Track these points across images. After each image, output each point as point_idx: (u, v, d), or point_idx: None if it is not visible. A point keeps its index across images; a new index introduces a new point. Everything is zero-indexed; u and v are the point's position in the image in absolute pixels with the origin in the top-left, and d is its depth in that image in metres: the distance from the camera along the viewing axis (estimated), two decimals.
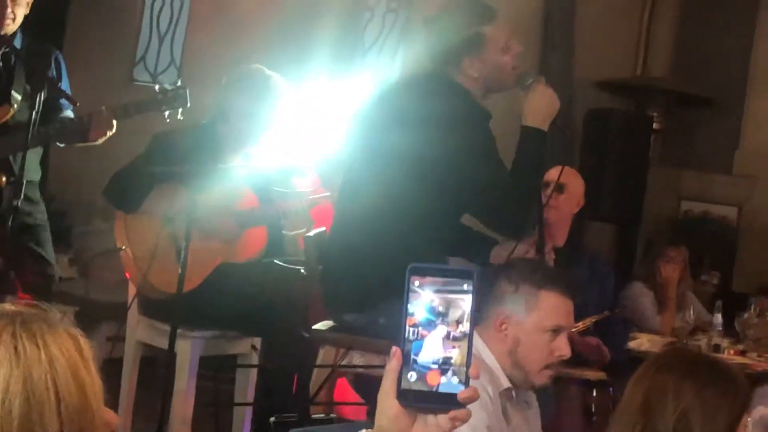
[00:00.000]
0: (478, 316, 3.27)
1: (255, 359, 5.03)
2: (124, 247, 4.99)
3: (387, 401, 1.60)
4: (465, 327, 1.58)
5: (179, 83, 5.13)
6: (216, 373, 5.29)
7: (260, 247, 5.04)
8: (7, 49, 5.15)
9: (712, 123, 9.26)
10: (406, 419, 1.59)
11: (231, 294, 4.83)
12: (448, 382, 1.57)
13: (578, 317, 4.12)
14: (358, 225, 4.05)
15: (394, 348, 1.59)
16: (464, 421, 1.58)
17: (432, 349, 1.58)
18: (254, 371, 5.02)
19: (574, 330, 4.43)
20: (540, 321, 3.25)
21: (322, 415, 4.10)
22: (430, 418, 1.59)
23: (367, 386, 4.30)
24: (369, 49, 8.70)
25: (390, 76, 4.15)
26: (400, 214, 3.93)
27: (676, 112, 9.27)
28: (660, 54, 9.37)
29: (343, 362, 4.13)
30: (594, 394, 4.84)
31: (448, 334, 1.58)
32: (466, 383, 1.57)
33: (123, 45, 8.67)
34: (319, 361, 4.28)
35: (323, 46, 7.82)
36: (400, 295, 3.77)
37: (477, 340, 3.20)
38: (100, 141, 5.10)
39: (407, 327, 1.59)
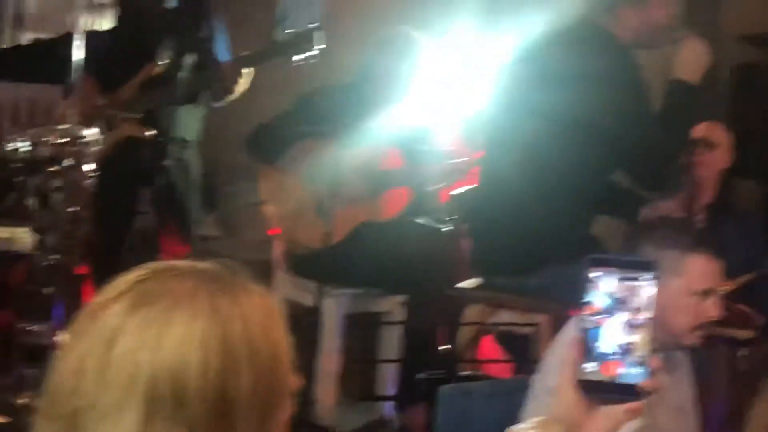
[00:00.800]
0: None
1: (400, 317, 5.06)
2: (267, 204, 5.07)
3: (564, 391, 1.59)
4: (646, 314, 1.56)
5: (310, 26, 5.16)
6: (361, 330, 5.34)
7: (402, 206, 5.06)
8: (161, 8, 5.25)
9: None
10: (581, 409, 1.58)
11: (374, 252, 4.86)
12: (628, 373, 1.54)
13: (727, 278, 4.06)
14: (505, 184, 4.04)
15: (572, 337, 1.58)
16: (639, 414, 1.56)
17: (612, 338, 1.55)
18: (400, 329, 5.06)
19: (721, 290, 4.36)
20: (688, 285, 3.20)
21: (469, 372, 4.12)
22: (607, 408, 1.58)
23: (514, 344, 4.30)
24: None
25: (538, 28, 4.09)
26: (549, 172, 3.92)
27: None
28: None
29: (490, 320, 4.14)
30: (742, 354, 4.76)
31: (629, 322, 1.55)
32: (647, 374, 1.54)
33: (265, 6, 8.74)
34: (465, 319, 4.29)
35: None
36: (548, 254, 3.76)
37: None
38: (237, 93, 5.17)
39: (586, 316, 1.57)
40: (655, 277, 1.57)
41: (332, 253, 4.67)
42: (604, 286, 1.56)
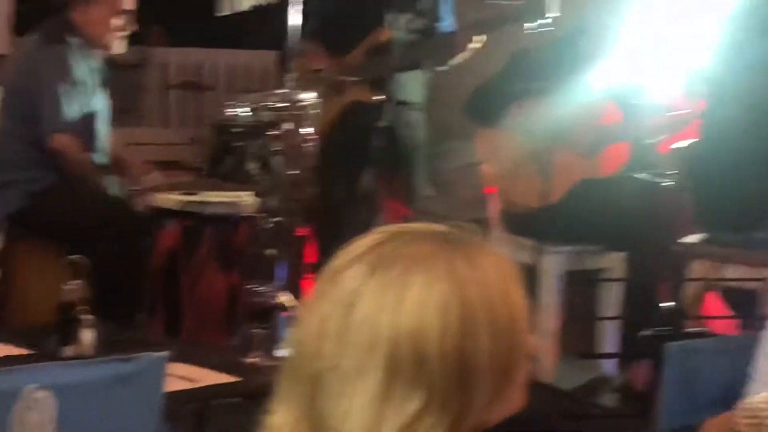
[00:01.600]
0: None
1: (621, 273, 4.99)
2: (484, 163, 5.07)
3: None
4: None
5: None
6: (581, 287, 5.29)
7: (622, 162, 4.98)
8: None
9: None
10: None
11: (593, 209, 4.80)
12: None
13: None
14: (728, 137, 3.94)
15: None
16: None
17: None
18: (620, 286, 4.99)
19: None
20: None
21: (695, 329, 4.04)
22: None
23: (740, 300, 4.19)
24: None
25: None
26: None
27: None
28: None
29: (715, 275, 4.05)
30: None
31: None
32: None
33: None
34: (689, 275, 4.20)
35: None
36: None
37: None
38: (463, 57, 5.18)
39: None
40: None
41: (551, 211, 4.63)
42: None
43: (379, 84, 5.23)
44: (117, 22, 4.96)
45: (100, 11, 4.95)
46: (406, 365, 1.39)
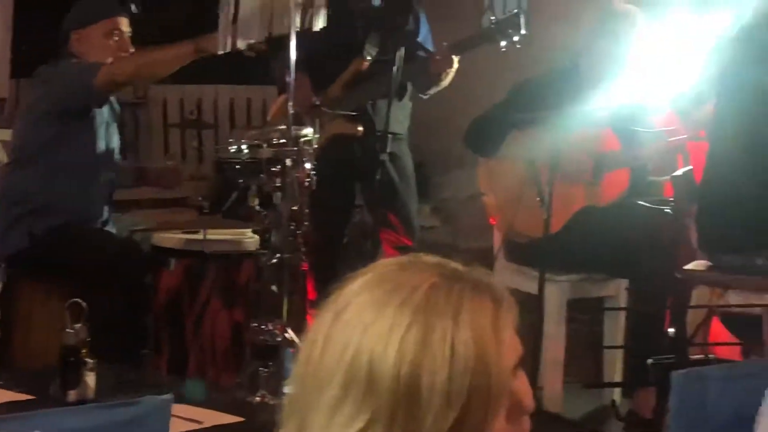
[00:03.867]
0: None
1: (624, 301, 4.99)
2: (486, 193, 5.08)
3: None
4: None
5: (515, 11, 5.14)
6: (585, 316, 5.29)
7: (622, 189, 4.99)
8: (366, 6, 5.32)
9: None
10: None
11: (595, 237, 4.81)
12: None
13: None
14: (733, 163, 3.94)
15: None
16: None
17: None
18: (623, 313, 4.99)
19: None
20: None
21: (700, 356, 4.02)
22: None
23: (744, 326, 4.18)
24: None
25: (754, 3, 3.97)
26: None
27: None
28: None
29: (719, 302, 4.04)
30: None
31: None
32: None
33: None
34: (693, 302, 4.20)
35: None
36: None
37: None
38: (445, 81, 5.20)
39: None
40: None
41: (553, 240, 4.63)
42: None
43: (362, 115, 5.25)
44: (114, 41, 4.97)
45: (96, 31, 4.98)
46: (359, 386, 1.41)
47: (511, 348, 1.48)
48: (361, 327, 1.44)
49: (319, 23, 4.42)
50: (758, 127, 3.90)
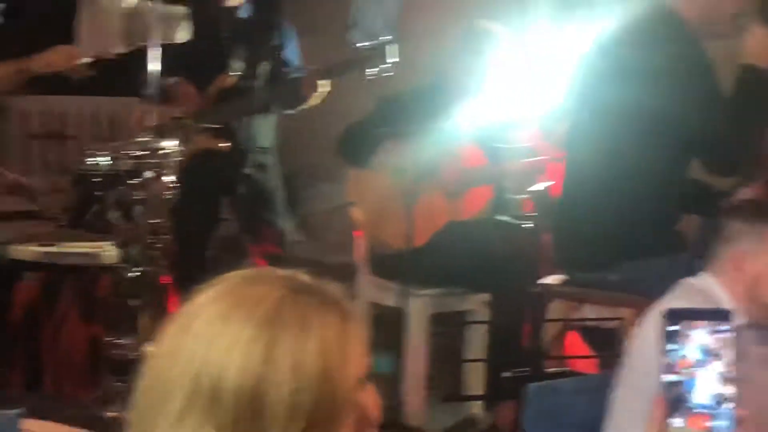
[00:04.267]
0: (710, 261, 3.22)
1: (485, 315, 5.04)
2: (353, 205, 5.10)
3: None
4: (727, 368, 1.51)
5: (385, 39, 5.18)
6: (446, 329, 5.33)
7: (486, 204, 5.05)
8: (232, 20, 5.30)
9: None
10: None
11: (458, 251, 4.86)
12: (718, 426, 1.50)
13: None
14: (588, 181, 4.01)
15: (656, 398, 1.54)
16: None
17: (697, 392, 1.52)
18: (484, 327, 5.03)
19: None
20: None
21: (556, 369, 4.08)
22: None
23: (599, 339, 4.26)
24: None
25: (613, 20, 4.05)
26: (627, 167, 3.88)
27: None
28: None
29: (575, 315, 4.10)
30: None
31: (714, 376, 1.52)
32: (735, 426, 1.50)
33: (337, 9, 8.76)
34: (549, 315, 4.26)
35: None
36: (633, 252, 3.72)
37: (713, 286, 3.15)
38: (313, 102, 5.22)
39: (667, 372, 1.52)
40: (734, 327, 1.53)
41: (416, 254, 4.66)
42: (687, 339, 1.51)
43: (228, 129, 5.23)
44: None
45: None
46: (203, 397, 1.41)
47: (358, 361, 1.48)
48: (207, 340, 1.43)
49: (181, 36, 4.39)
50: (615, 145, 3.96)
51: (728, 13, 4.01)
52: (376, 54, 5.05)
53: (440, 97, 5.04)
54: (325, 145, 5.33)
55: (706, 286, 3.07)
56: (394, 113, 4.98)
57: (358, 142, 5.03)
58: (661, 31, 3.96)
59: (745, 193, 4.05)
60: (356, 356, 1.48)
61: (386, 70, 5.04)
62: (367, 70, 5.05)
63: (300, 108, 5.37)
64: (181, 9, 5.02)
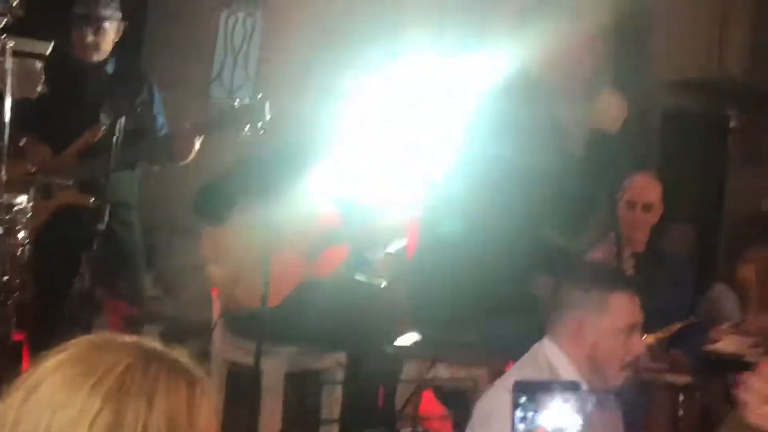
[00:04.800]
0: (552, 326, 3.29)
1: (340, 375, 5.05)
2: (208, 264, 5.07)
3: None
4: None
5: (259, 97, 5.19)
6: (302, 389, 5.32)
7: (341, 263, 5.07)
8: (98, 75, 5.27)
9: None
10: None
11: (314, 310, 4.86)
12: None
13: (661, 321, 4.11)
14: (444, 241, 4.06)
15: None
16: None
17: None
18: (340, 386, 5.04)
19: (660, 336, 4.42)
20: (614, 322, 3.27)
21: (410, 429, 4.12)
22: None
23: (453, 398, 4.30)
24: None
25: (472, 84, 4.14)
26: (485, 230, 3.94)
27: (754, 110, 9.14)
28: (736, 51, 9.26)
29: (429, 375, 4.14)
30: (681, 398, 4.80)
31: None
32: None
33: (199, 63, 8.75)
34: (404, 375, 4.29)
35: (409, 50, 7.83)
36: (486, 313, 3.78)
37: (554, 350, 3.22)
38: (188, 159, 5.20)
39: None
40: (580, 397, 1.58)
41: (272, 313, 4.65)
42: (536, 410, 1.55)
43: (91, 185, 5.17)
44: None
45: None
46: None
47: (207, 426, 1.48)
48: (52, 409, 1.41)
49: (39, 89, 4.34)
50: (470, 205, 4.02)
51: (582, 78, 4.12)
52: (249, 113, 5.06)
53: (298, 157, 5.06)
54: (184, 199, 5.30)
55: (550, 353, 3.13)
56: (251, 171, 4.97)
57: (213, 200, 5.01)
58: (521, 92, 4.05)
59: (594, 253, 4.16)
60: (204, 425, 1.49)
61: (261, 129, 5.05)
62: (240, 127, 5.06)
63: (173, 165, 5.33)
64: (38, 64, 4.97)
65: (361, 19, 8.14)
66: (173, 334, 6.39)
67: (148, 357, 1.49)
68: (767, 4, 9.20)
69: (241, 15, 9.10)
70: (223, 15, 9.06)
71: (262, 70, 8.86)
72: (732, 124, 8.83)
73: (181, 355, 1.53)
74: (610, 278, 3.35)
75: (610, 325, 3.27)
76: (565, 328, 3.29)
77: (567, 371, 3.25)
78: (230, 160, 5.21)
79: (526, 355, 3.22)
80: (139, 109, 5.13)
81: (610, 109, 4.03)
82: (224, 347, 5.18)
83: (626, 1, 8.72)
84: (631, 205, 5.10)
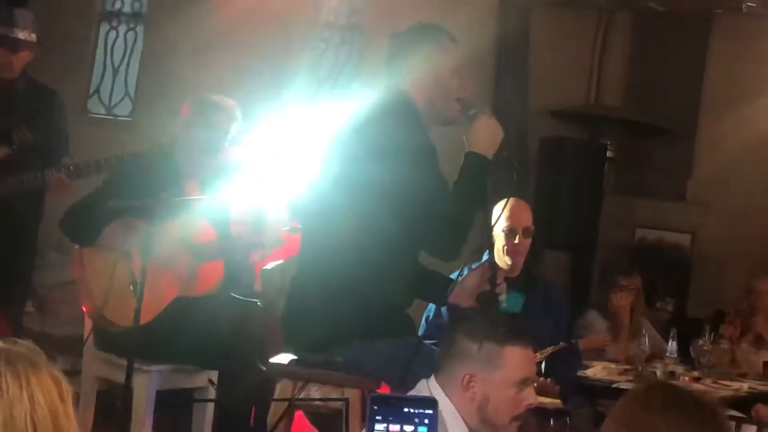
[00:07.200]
0: (441, 372, 3.28)
1: (212, 393, 5.00)
2: (80, 280, 4.99)
3: None
4: None
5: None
6: (174, 407, 5.26)
7: (216, 280, 5.03)
8: (9, 92, 5.28)
9: (664, 151, 9.34)
10: None
11: (187, 327, 4.81)
12: None
13: (534, 346, 4.14)
14: (318, 261, 4.04)
15: None
16: None
17: None
18: (212, 405, 5.00)
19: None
20: (507, 376, 3.25)
21: None
22: None
23: (324, 419, 4.29)
24: (326, 78, 8.74)
25: (347, 103, 4.14)
26: (359, 251, 3.92)
27: (629, 140, 9.34)
28: (613, 83, 9.45)
29: (301, 395, 4.12)
30: (551, 423, 4.86)
31: None
32: None
33: (77, 78, 8.65)
34: (276, 395, 4.26)
35: (288, 77, 7.85)
36: (360, 334, 3.77)
37: (443, 399, 3.20)
38: (64, 195, 5.21)
39: None
40: (436, 414, 1.59)
41: (143, 330, 4.59)
42: (385, 423, 1.57)
43: None
44: None
45: None
46: None
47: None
48: None
49: None
50: (345, 226, 3.99)
51: (454, 101, 4.15)
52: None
53: (170, 171, 5.02)
54: (55, 216, 5.23)
55: (441, 404, 3.09)
56: (121, 188, 4.91)
57: (82, 219, 4.93)
58: (395, 114, 4.06)
59: (469, 275, 4.18)
60: (74, 420, 1.49)
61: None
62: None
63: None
64: None
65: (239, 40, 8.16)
66: (44, 350, 6.30)
67: (9, 360, 1.48)
68: (644, 39, 9.43)
69: (122, 30, 9.03)
70: (103, 29, 8.98)
71: (141, 87, 8.81)
72: (609, 154, 9.02)
73: (36, 351, 1.53)
74: (503, 331, 3.29)
75: (502, 379, 3.24)
76: (455, 380, 3.26)
77: (454, 421, 3.22)
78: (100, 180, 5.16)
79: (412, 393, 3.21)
80: (35, 131, 5.14)
81: (487, 134, 4.06)
82: (95, 364, 5.10)
83: (506, 28, 8.91)
84: (512, 232, 5.17)
